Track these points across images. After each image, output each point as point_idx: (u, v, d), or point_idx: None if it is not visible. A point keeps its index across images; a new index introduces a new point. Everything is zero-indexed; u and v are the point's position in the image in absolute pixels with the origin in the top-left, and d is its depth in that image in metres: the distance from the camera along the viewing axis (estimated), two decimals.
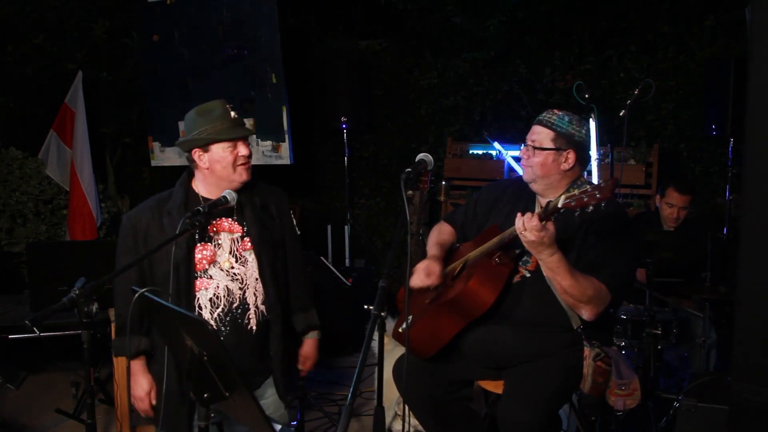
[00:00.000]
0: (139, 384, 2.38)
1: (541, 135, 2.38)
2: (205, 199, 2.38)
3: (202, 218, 2.19)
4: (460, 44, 5.74)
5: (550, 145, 2.37)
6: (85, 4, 5.64)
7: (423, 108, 5.99)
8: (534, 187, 2.45)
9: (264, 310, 2.43)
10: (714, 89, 4.47)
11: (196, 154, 2.35)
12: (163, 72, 5.49)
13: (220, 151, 2.33)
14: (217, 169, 2.35)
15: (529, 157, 2.40)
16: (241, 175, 2.37)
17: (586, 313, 2.28)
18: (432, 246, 2.65)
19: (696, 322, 3.81)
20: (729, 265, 4.31)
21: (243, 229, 2.43)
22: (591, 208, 2.03)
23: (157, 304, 1.83)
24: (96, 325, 1.92)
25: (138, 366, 2.38)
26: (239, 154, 2.35)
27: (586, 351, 2.37)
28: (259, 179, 2.55)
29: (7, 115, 5.72)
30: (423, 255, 2.64)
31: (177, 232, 2.17)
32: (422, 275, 2.50)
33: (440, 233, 2.72)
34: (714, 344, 3.75)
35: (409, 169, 2.20)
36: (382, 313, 1.94)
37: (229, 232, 2.41)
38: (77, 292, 1.86)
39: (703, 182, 5.13)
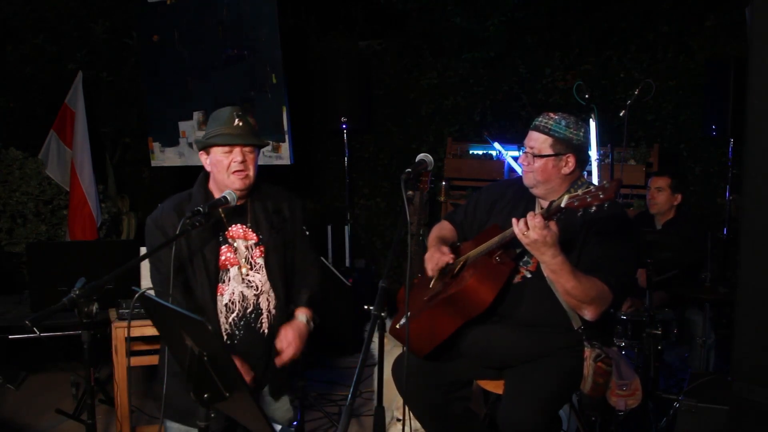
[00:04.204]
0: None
1: (539, 141, 2.37)
2: None
3: (201, 218, 2.20)
4: (460, 44, 5.74)
5: (549, 151, 2.35)
6: (85, 4, 5.63)
7: (423, 108, 5.99)
8: (535, 191, 2.44)
9: (275, 314, 2.47)
10: (714, 89, 4.47)
11: (203, 156, 2.46)
12: (163, 72, 5.48)
13: (217, 155, 2.39)
14: (215, 173, 2.42)
15: (529, 164, 2.38)
16: (234, 183, 2.38)
17: (588, 314, 2.28)
18: (432, 239, 2.64)
19: (695, 323, 3.81)
20: (729, 265, 4.31)
21: (258, 237, 2.46)
22: (594, 208, 2.02)
23: (157, 304, 1.83)
24: (96, 325, 1.92)
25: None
26: (233, 161, 2.36)
27: (587, 352, 2.37)
28: (269, 182, 2.58)
29: (7, 115, 5.72)
30: (423, 255, 2.64)
31: (177, 232, 2.18)
32: (437, 255, 2.44)
33: (441, 230, 2.72)
34: (713, 345, 3.75)
35: (409, 170, 2.20)
36: (382, 314, 1.95)
37: (243, 239, 2.44)
38: (77, 292, 1.86)
39: (703, 182, 5.13)
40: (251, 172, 2.41)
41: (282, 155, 5.20)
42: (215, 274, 2.39)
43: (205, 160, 2.45)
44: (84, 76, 5.34)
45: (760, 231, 1.81)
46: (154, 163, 5.74)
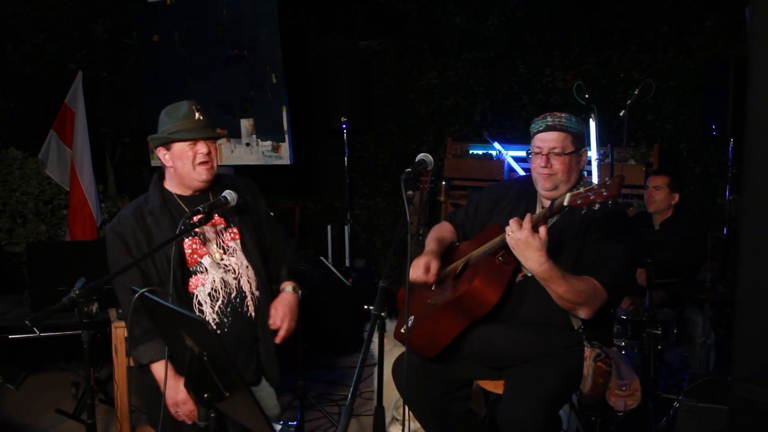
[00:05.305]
0: (175, 388, 2.22)
1: (560, 140, 2.36)
2: (180, 197, 2.45)
3: (202, 219, 2.20)
4: (460, 44, 5.74)
5: (571, 148, 2.37)
6: (85, 4, 5.64)
7: (423, 108, 5.99)
8: (554, 193, 2.39)
9: (259, 296, 2.47)
10: (714, 89, 4.47)
11: (161, 152, 2.43)
12: (163, 72, 5.48)
13: (180, 149, 2.37)
14: (179, 167, 2.41)
15: (552, 165, 2.36)
16: (201, 175, 2.39)
17: (582, 314, 2.29)
18: (431, 241, 2.63)
19: (695, 323, 3.81)
20: (729, 265, 4.31)
21: (224, 221, 2.47)
22: (597, 206, 2.01)
23: (157, 304, 1.83)
24: (96, 325, 1.92)
25: (170, 369, 2.22)
26: (198, 152, 2.36)
27: (587, 351, 2.36)
28: (223, 173, 2.61)
29: (7, 115, 5.72)
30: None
31: (177, 232, 2.18)
32: (422, 270, 2.47)
33: (440, 230, 2.71)
34: (713, 345, 3.74)
35: (409, 169, 2.20)
36: (382, 314, 1.95)
37: (212, 225, 2.44)
38: (77, 292, 1.86)
39: (703, 182, 5.13)
40: (215, 163, 2.44)
41: (282, 155, 5.20)
42: (180, 270, 2.35)
43: (164, 155, 2.41)
44: (84, 76, 5.34)
45: (760, 231, 1.81)
46: (154, 163, 5.74)
